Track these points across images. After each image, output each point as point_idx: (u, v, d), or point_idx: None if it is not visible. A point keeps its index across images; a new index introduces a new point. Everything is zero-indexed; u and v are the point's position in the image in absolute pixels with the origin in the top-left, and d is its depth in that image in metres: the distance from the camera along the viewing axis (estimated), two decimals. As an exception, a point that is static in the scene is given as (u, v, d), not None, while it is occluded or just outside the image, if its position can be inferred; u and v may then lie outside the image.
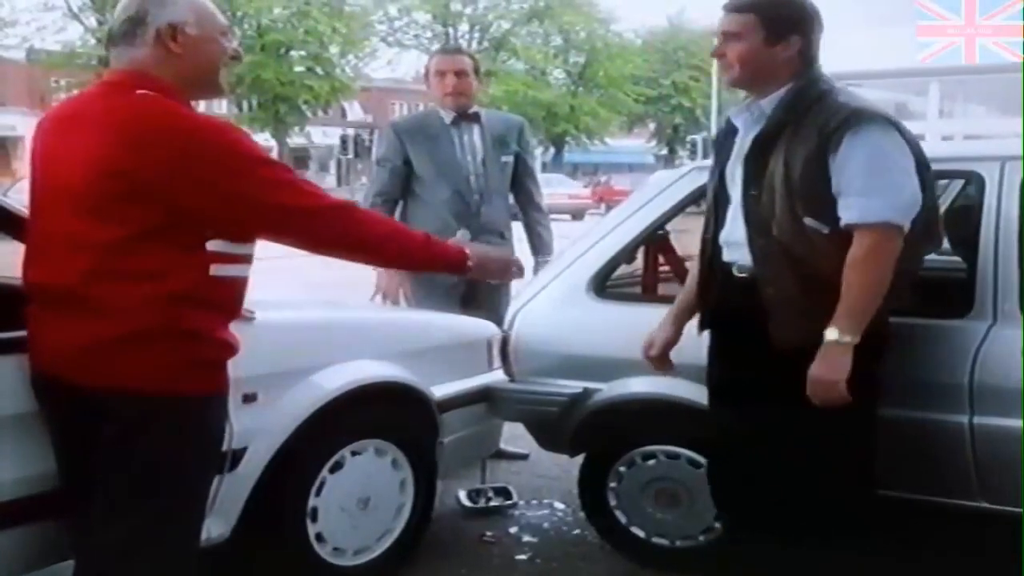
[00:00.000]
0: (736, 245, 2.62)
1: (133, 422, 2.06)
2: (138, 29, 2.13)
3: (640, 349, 2.90)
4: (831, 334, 2.41)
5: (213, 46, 2.20)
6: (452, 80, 4.13)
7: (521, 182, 4.31)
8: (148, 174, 2.00)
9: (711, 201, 2.76)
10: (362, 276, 3.97)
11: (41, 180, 2.18)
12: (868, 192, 2.41)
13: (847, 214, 2.43)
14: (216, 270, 2.10)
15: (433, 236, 2.43)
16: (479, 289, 3.96)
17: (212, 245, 2.09)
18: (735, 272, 2.64)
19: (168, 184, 2.01)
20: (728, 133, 2.71)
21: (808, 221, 2.46)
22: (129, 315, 2.02)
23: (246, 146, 2.12)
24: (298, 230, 2.17)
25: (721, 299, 2.71)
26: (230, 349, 2.17)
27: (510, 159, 4.22)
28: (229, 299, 2.19)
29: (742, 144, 2.63)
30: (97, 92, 2.19)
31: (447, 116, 4.17)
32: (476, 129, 4.18)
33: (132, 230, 2.01)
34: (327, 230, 2.19)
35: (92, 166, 2.01)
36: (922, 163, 2.51)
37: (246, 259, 2.19)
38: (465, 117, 4.18)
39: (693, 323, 2.82)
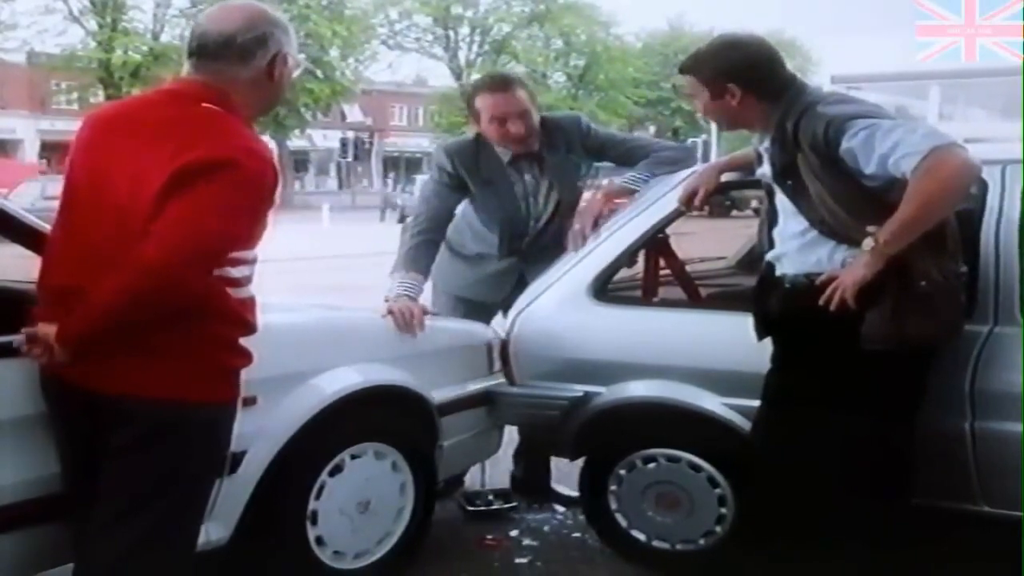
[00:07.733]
0: (790, 258, 2.65)
1: (151, 428, 2.06)
2: (258, 50, 2.12)
3: (641, 350, 2.88)
4: (869, 242, 2.40)
5: (289, 80, 2.22)
6: (518, 128, 3.51)
7: None
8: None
9: (763, 217, 2.82)
10: (352, 280, 3.95)
11: (88, 186, 2.12)
12: (895, 148, 2.38)
13: (904, 168, 2.37)
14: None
15: None
16: (534, 275, 3.61)
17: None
18: (793, 281, 2.64)
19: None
20: (760, 158, 2.76)
21: (871, 229, 2.43)
22: (161, 324, 2.00)
23: (261, 180, 2.04)
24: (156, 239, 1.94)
25: (783, 307, 2.69)
26: (248, 358, 2.18)
27: (580, 183, 3.76)
28: (250, 313, 2.18)
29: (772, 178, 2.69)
30: (158, 100, 2.16)
31: (504, 155, 3.64)
32: (537, 167, 3.66)
33: None
34: (149, 260, 1.94)
35: (150, 184, 1.97)
36: None
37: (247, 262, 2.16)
38: (526, 155, 3.65)
39: (690, 328, 2.81)
